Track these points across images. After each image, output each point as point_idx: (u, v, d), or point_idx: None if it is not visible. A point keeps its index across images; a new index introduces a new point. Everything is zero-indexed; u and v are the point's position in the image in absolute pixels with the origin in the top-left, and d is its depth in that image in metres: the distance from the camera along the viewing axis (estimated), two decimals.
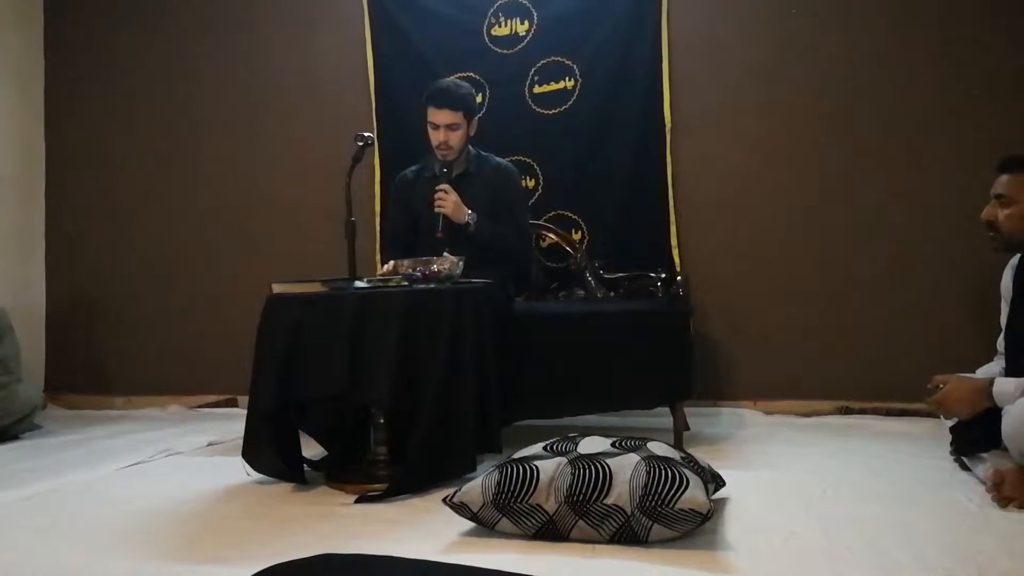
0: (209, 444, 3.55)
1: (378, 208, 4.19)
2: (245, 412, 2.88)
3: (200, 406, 4.47)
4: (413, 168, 3.61)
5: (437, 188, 3.33)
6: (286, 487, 2.76)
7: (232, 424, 3.80)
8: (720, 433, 3.47)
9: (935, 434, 3.09)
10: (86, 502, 2.69)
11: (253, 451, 2.80)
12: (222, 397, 4.45)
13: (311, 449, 3.02)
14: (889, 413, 3.62)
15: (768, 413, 3.77)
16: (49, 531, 2.37)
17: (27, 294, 4.71)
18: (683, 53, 3.93)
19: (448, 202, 3.29)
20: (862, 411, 3.68)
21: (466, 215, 3.32)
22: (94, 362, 4.74)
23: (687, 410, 3.40)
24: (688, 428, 3.39)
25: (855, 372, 3.73)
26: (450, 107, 3.37)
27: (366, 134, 3.02)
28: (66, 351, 4.80)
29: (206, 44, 4.60)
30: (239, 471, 2.85)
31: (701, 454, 2.47)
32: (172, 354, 4.62)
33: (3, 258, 4.56)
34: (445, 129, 3.38)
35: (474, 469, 2.66)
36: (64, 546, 2.22)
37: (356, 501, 2.56)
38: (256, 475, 2.83)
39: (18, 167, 4.71)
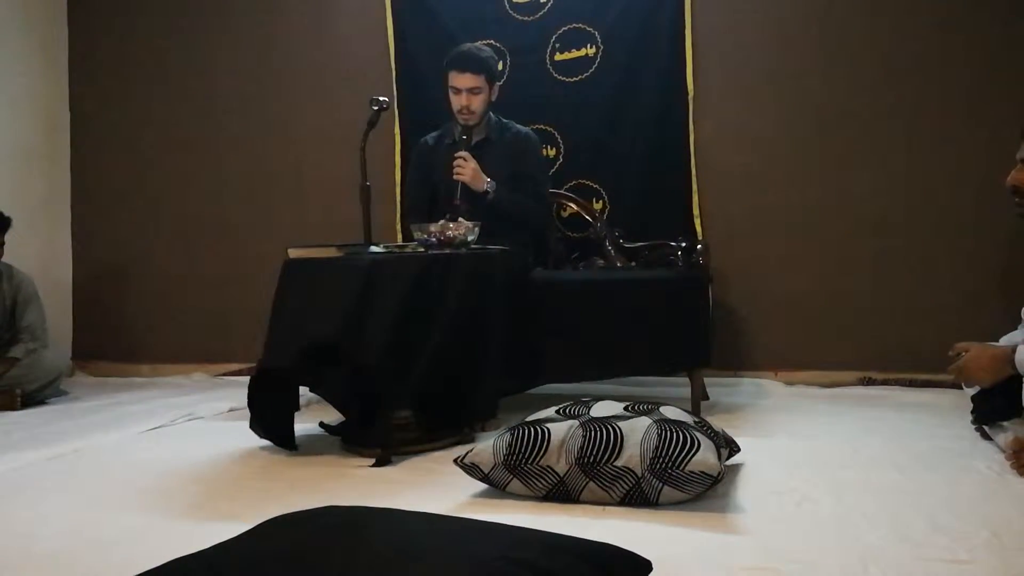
0: (230, 410, 3.57)
1: (398, 176, 4.19)
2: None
3: (224, 374, 4.51)
4: (433, 134, 3.62)
5: (456, 155, 3.33)
6: (303, 451, 2.78)
7: None
8: (739, 402, 3.45)
9: (958, 405, 3.04)
10: (106, 462, 2.74)
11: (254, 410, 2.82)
12: (246, 365, 4.46)
13: (329, 413, 3.05)
14: (912, 384, 3.58)
15: (789, 384, 3.74)
16: (69, 489, 2.43)
17: (54, 262, 4.76)
18: (706, 20, 3.87)
19: (467, 169, 3.29)
20: (885, 382, 3.64)
21: (484, 183, 3.31)
22: (120, 330, 4.79)
23: (707, 380, 3.40)
24: (707, 397, 3.38)
25: (878, 343, 3.69)
26: (473, 70, 3.36)
27: (381, 98, 3.02)
28: (93, 319, 4.86)
29: (228, 12, 4.60)
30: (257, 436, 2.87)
31: (719, 422, 2.46)
32: (197, 323, 4.65)
33: (30, 226, 4.59)
34: (467, 93, 3.37)
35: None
36: (82, 502, 2.28)
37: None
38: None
39: (43, 137, 4.75)
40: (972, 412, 2.71)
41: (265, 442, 2.86)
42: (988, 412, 2.60)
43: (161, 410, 3.57)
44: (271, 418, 2.80)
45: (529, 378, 3.10)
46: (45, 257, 4.68)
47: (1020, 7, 3.52)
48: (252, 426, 2.82)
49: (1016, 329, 2.80)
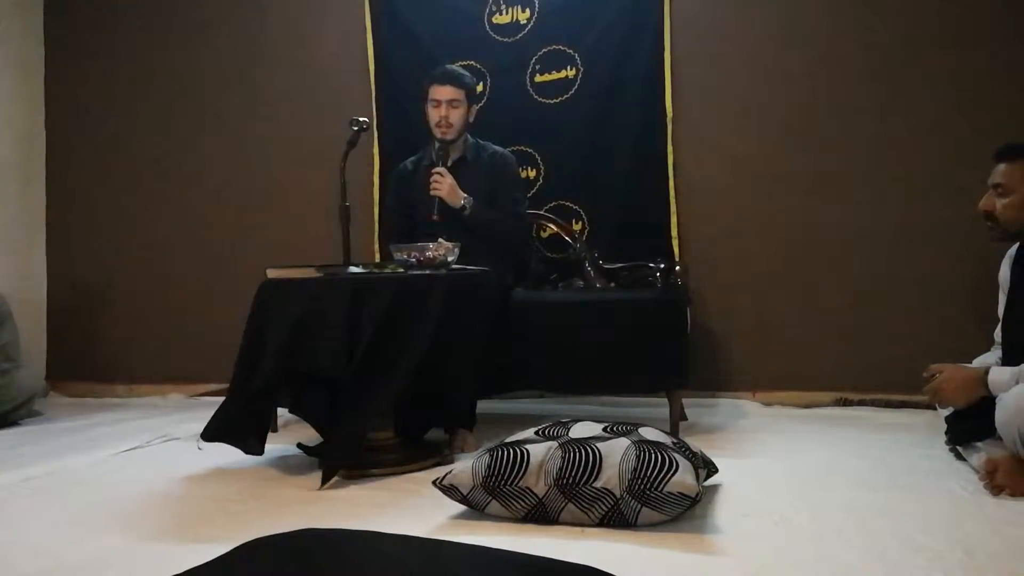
0: None
1: (377, 197, 4.19)
2: None
3: (200, 394, 4.47)
4: (412, 159, 3.65)
5: (433, 171, 3.36)
6: (280, 472, 2.78)
7: None
8: (717, 423, 3.46)
9: (933, 426, 3.07)
10: (81, 484, 2.70)
11: (224, 424, 2.81)
12: (222, 386, 4.40)
13: (306, 433, 3.04)
14: (888, 405, 3.61)
15: (767, 404, 3.76)
16: (43, 511, 2.39)
17: (28, 282, 4.71)
18: (685, 43, 3.91)
19: (444, 185, 3.32)
20: (861, 403, 3.66)
21: (461, 198, 3.34)
22: (95, 350, 4.75)
23: (685, 400, 3.40)
24: (686, 418, 3.39)
25: (854, 364, 3.71)
26: (453, 84, 3.43)
27: (361, 119, 3.03)
28: (67, 339, 4.81)
29: (206, 32, 4.60)
30: (235, 456, 2.86)
31: (697, 443, 2.47)
32: (173, 343, 4.62)
33: (4, 245, 4.57)
34: (446, 105, 3.42)
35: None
36: (57, 525, 2.24)
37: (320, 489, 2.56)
38: (241, 457, 2.84)
39: (19, 155, 4.72)
40: (946, 432, 2.74)
41: (242, 463, 2.86)
42: (962, 432, 2.63)
43: (137, 431, 3.54)
44: (239, 424, 2.80)
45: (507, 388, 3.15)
46: (19, 275, 4.63)
47: (999, 31, 3.58)
48: (220, 438, 2.80)
49: (989, 351, 2.84)
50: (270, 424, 2.89)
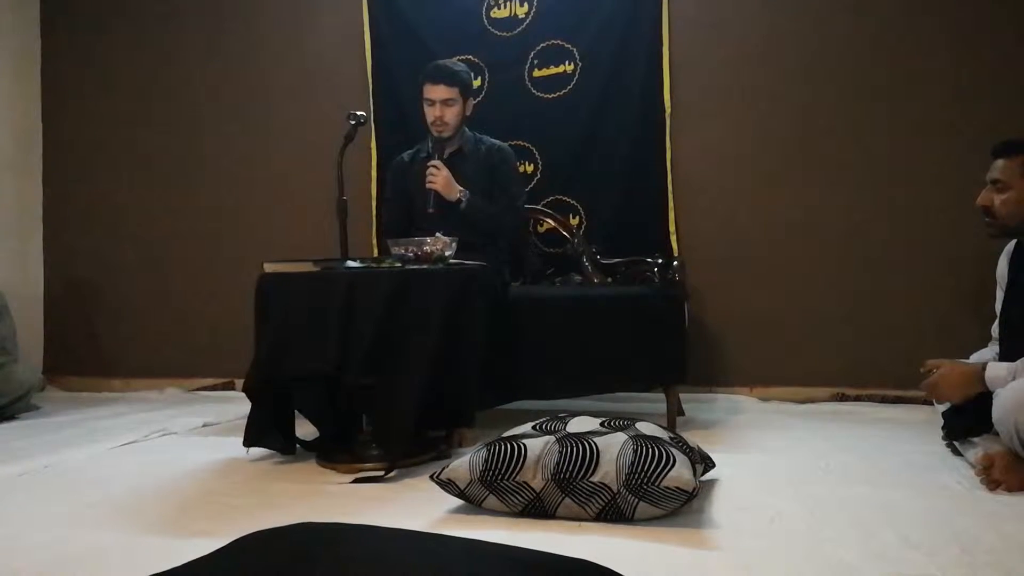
0: (204, 425, 3.54)
1: (374, 192, 4.19)
2: (243, 395, 2.94)
3: (198, 389, 4.47)
4: (409, 152, 3.64)
5: (429, 164, 3.36)
6: (277, 466, 2.77)
7: (228, 406, 3.82)
8: (714, 418, 3.46)
9: (930, 421, 3.07)
10: (78, 478, 2.70)
11: (254, 428, 2.83)
12: (219, 380, 4.45)
13: (303, 428, 3.04)
14: (885, 400, 3.62)
15: (764, 399, 3.76)
16: (40, 506, 2.39)
17: (25, 276, 4.70)
18: (683, 37, 3.91)
19: (439, 178, 3.32)
20: (858, 398, 3.67)
21: (457, 191, 3.34)
22: (92, 345, 4.74)
23: (683, 395, 3.41)
24: (683, 413, 3.40)
25: (851, 359, 3.72)
26: (446, 83, 3.40)
27: (359, 112, 3.03)
28: (64, 334, 4.81)
29: (203, 26, 4.59)
30: (231, 450, 2.88)
31: (694, 438, 2.47)
32: (170, 337, 4.62)
33: (1, 240, 4.56)
34: (441, 104, 3.40)
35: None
36: (53, 519, 2.24)
37: (353, 482, 2.54)
38: (248, 454, 2.85)
39: (16, 149, 4.70)
40: (943, 428, 2.74)
41: (238, 457, 2.85)
42: (959, 428, 2.63)
43: (134, 425, 3.53)
44: (271, 426, 2.82)
45: (506, 393, 3.11)
46: (17, 270, 4.62)
47: (999, 31, 3.58)
48: (255, 441, 2.82)
49: (986, 347, 2.84)
50: (293, 420, 2.88)
